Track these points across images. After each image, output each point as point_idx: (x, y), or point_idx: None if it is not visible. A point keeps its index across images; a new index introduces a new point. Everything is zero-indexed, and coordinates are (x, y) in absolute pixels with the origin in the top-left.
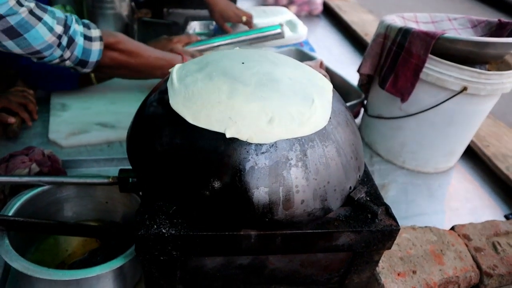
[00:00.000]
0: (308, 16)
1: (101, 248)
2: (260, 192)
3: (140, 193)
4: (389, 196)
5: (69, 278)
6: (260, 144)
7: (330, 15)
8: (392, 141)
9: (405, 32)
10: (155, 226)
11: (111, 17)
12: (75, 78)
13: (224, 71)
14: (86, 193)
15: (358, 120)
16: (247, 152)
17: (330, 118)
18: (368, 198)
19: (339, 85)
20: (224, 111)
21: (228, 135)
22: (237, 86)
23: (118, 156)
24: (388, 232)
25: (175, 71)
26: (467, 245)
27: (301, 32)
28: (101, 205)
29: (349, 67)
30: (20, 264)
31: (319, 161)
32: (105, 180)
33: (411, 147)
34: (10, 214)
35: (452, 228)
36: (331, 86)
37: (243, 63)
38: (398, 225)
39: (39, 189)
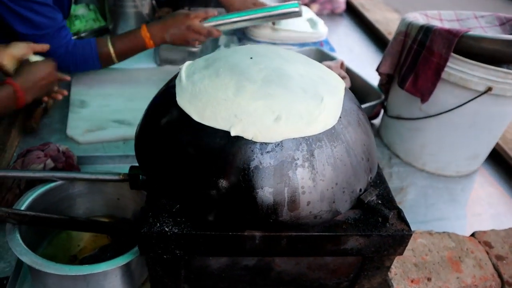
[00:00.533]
0: (330, 15)
1: (111, 245)
2: (265, 192)
3: None
4: (408, 199)
5: (76, 274)
6: (266, 143)
7: (353, 13)
8: (411, 142)
9: (426, 30)
10: (158, 224)
11: (132, 16)
12: (96, 58)
13: (231, 67)
14: (98, 190)
15: (377, 121)
16: (252, 151)
17: (340, 117)
18: (379, 201)
19: (359, 86)
20: (229, 108)
21: (233, 134)
22: (244, 82)
23: (133, 153)
24: (399, 237)
25: (184, 68)
26: (488, 253)
27: (322, 31)
28: (113, 201)
29: (370, 67)
30: (29, 258)
31: (327, 161)
32: (116, 177)
33: (431, 149)
34: (22, 208)
35: (473, 235)
36: (343, 84)
37: (251, 58)
38: (411, 230)
39: (52, 184)
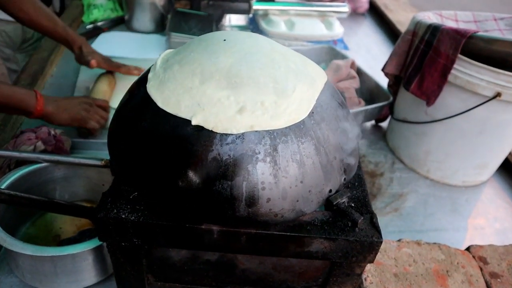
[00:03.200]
0: (352, 14)
1: (91, 229)
2: (222, 185)
3: None
4: (406, 206)
5: (41, 255)
6: (226, 135)
7: (376, 13)
8: (416, 147)
9: (434, 29)
10: (115, 210)
11: (147, 7)
12: None
13: (201, 51)
14: (83, 175)
15: (385, 124)
16: (211, 141)
17: (312, 112)
18: (352, 204)
19: (369, 87)
20: (194, 97)
21: (193, 123)
22: (211, 68)
23: None
24: (368, 244)
25: (162, 55)
26: (481, 269)
27: (337, 31)
28: (97, 187)
29: None
30: None
31: (292, 158)
32: (98, 162)
33: (437, 155)
34: (2, 187)
35: (468, 249)
36: (324, 78)
37: (224, 40)
38: (381, 237)
39: (36, 166)
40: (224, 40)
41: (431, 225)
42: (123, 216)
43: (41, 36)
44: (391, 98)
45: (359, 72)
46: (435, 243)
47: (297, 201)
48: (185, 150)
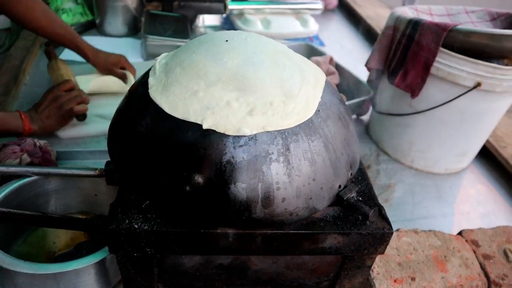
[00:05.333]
0: (322, 11)
1: (87, 242)
2: (237, 188)
3: None
4: (394, 197)
5: (46, 272)
6: (239, 137)
7: (345, 9)
8: (400, 139)
9: (415, 24)
10: (127, 221)
11: (119, 9)
12: None
13: (204, 53)
14: (75, 185)
15: (366, 117)
16: (224, 145)
17: (318, 110)
18: (360, 198)
19: (349, 82)
20: (202, 100)
21: (205, 127)
22: (216, 70)
23: None
24: (380, 236)
25: (159, 59)
26: (475, 252)
27: (312, 28)
28: (90, 197)
29: (361, 63)
30: None
31: (304, 156)
32: (92, 172)
33: (420, 145)
34: None
35: (460, 233)
36: (324, 77)
37: (226, 40)
38: (391, 228)
39: (26, 179)
40: (227, 41)
41: (420, 213)
42: (136, 226)
43: (11, 44)
44: (372, 92)
45: (337, 67)
46: (430, 231)
47: (310, 198)
48: (198, 155)
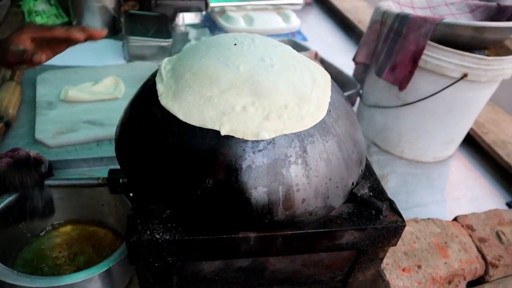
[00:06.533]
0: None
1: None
2: (259, 192)
3: (131, 194)
4: (389, 187)
5: (50, 286)
6: (257, 141)
7: (322, 3)
8: (389, 131)
9: (402, 18)
10: (148, 232)
11: (97, 10)
12: None
13: (214, 57)
14: (79, 193)
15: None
16: (243, 150)
17: (329, 110)
18: (371, 194)
19: (334, 76)
20: (217, 106)
21: (223, 133)
22: (229, 76)
23: (108, 155)
24: (393, 229)
25: (163, 65)
26: (471, 236)
27: (294, 24)
28: (95, 205)
29: (342, 55)
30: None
31: (320, 157)
32: (95, 182)
33: (409, 136)
34: None
35: (455, 219)
36: (329, 77)
37: (235, 44)
38: (404, 221)
39: None
40: (235, 44)
41: (414, 201)
42: (158, 237)
43: None
44: (359, 86)
45: (322, 62)
46: (429, 219)
47: (328, 197)
48: (217, 161)
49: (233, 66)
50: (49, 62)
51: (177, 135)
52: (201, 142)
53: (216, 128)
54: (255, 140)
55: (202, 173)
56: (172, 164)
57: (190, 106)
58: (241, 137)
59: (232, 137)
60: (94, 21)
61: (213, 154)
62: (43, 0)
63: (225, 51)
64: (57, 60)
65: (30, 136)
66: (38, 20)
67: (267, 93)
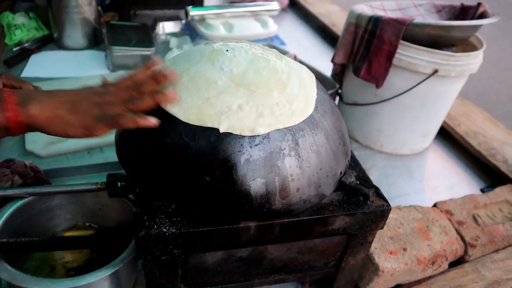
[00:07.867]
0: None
1: (96, 259)
2: (257, 183)
3: (130, 196)
4: (372, 180)
5: (79, 284)
6: (253, 137)
7: (297, 8)
8: (369, 126)
9: (376, 20)
10: (155, 226)
11: (78, 22)
12: None
13: (211, 63)
14: (79, 200)
15: None
16: (241, 145)
17: (317, 106)
18: (358, 182)
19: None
20: (214, 106)
21: (221, 130)
22: (224, 77)
23: (100, 161)
24: (380, 212)
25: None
26: (450, 220)
27: (272, 29)
28: (95, 210)
29: (319, 58)
30: (8, 274)
31: (311, 149)
32: (93, 187)
33: (387, 131)
34: None
35: (435, 205)
36: (313, 76)
37: (227, 50)
38: (389, 205)
39: (25, 200)
40: (227, 50)
41: (396, 192)
42: (165, 230)
43: None
44: (338, 86)
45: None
46: (411, 206)
47: (320, 186)
48: (218, 157)
49: (227, 70)
50: (34, 75)
51: (178, 135)
52: (202, 140)
53: (215, 126)
54: (251, 136)
55: (205, 169)
56: (176, 162)
57: (190, 107)
58: (238, 133)
59: (230, 133)
60: (75, 32)
61: (213, 150)
62: (22, 13)
63: (218, 56)
64: (42, 72)
65: (20, 147)
66: (18, 33)
67: (259, 92)
